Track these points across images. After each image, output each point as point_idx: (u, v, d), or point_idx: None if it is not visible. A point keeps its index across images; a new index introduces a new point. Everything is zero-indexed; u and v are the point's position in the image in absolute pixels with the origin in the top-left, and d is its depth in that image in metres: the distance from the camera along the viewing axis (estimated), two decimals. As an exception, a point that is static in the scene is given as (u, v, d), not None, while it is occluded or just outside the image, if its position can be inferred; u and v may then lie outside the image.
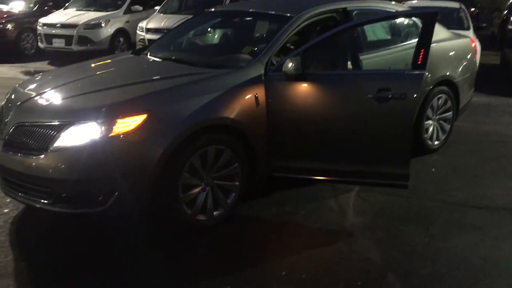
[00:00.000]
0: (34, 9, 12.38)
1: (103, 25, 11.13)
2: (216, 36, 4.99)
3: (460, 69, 5.34)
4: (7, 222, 3.56)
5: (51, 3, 12.89)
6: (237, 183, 3.62)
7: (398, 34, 4.85)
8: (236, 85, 3.57)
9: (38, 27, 11.26)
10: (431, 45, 4.84)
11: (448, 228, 3.66)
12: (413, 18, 4.84)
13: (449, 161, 5.04)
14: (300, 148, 3.75)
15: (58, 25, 11.05)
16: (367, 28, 4.47)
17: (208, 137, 3.39)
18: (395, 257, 3.26)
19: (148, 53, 4.39)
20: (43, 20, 11.29)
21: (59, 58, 10.88)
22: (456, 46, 5.41)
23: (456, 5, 10.26)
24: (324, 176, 3.81)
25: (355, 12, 4.41)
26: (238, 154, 3.57)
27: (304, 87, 3.63)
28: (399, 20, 4.78)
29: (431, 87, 4.95)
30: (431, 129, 5.18)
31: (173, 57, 4.20)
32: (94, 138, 3.06)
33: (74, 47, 10.89)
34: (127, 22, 11.62)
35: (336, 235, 3.55)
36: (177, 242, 3.38)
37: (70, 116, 3.17)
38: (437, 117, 5.23)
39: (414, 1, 11.83)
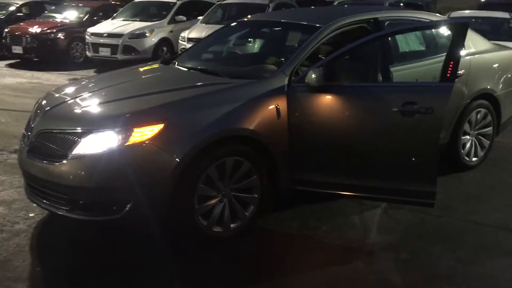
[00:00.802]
0: (84, 19, 12.83)
1: (147, 34, 11.40)
2: (244, 46, 4.97)
3: (502, 82, 5.07)
4: (31, 227, 3.64)
5: (101, 13, 13.35)
6: (256, 196, 3.56)
7: (433, 46, 4.65)
8: (257, 96, 3.51)
9: (86, 36, 11.66)
10: (470, 57, 4.75)
11: (477, 251, 3.44)
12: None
13: (487, 179, 4.78)
14: (323, 162, 3.64)
15: (104, 34, 11.41)
16: (400, 39, 4.32)
17: (226, 148, 3.35)
18: (416, 280, 3.10)
19: (176, 63, 4.42)
20: (91, 29, 11.68)
21: (105, 67, 11.19)
22: (499, 58, 5.15)
23: (506, 15, 9.84)
24: (347, 191, 3.68)
25: (387, 22, 4.27)
26: (258, 166, 3.51)
27: (327, 99, 3.53)
28: (435, 31, 4.58)
29: (468, 101, 4.73)
30: (468, 144, 4.94)
31: (199, 67, 4.20)
32: (111, 147, 3.08)
33: (119, 56, 11.19)
34: (171, 31, 11.85)
35: (356, 253, 3.41)
36: (193, 253, 3.36)
37: (88, 124, 3.21)
38: (476, 132, 4.99)
39: (466, 12, 11.48)
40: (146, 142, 3.10)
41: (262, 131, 3.47)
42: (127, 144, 3.08)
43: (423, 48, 4.68)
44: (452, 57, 3.28)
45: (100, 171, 3.09)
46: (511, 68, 5.25)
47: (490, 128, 5.05)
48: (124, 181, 3.08)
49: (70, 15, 13.22)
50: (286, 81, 3.63)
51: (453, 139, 4.76)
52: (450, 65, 3.26)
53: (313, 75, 3.44)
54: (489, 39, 7.86)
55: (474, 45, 4.89)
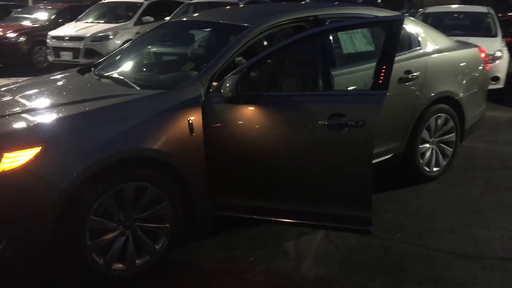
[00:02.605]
0: (48, 22, 12.28)
1: (111, 37, 10.84)
2: (166, 51, 4.42)
3: (464, 84, 4.59)
4: None
5: (68, 16, 12.79)
6: (167, 225, 3.06)
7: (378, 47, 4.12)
8: (166, 109, 3.01)
9: (48, 40, 11.11)
10: (426, 57, 4.26)
11: (421, 283, 2.96)
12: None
13: (447, 192, 4.29)
14: (246, 184, 3.15)
15: (66, 37, 10.85)
16: (341, 39, 3.82)
17: (124, 173, 2.85)
18: (343, 326, 2.61)
19: (94, 71, 3.91)
20: (52, 33, 11.12)
21: (69, 71, 10.64)
22: (460, 57, 4.65)
23: (484, 9, 9.36)
24: (275, 217, 3.20)
25: (329, 20, 3.76)
26: (168, 191, 3.01)
27: (246, 111, 3.04)
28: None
29: (426, 105, 4.24)
30: (428, 153, 4.46)
31: (112, 76, 3.69)
32: (-24, 176, 2.58)
33: (81, 60, 10.60)
34: (137, 33, 11.26)
35: (280, 291, 2.93)
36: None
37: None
38: (437, 139, 4.51)
39: (442, 6, 11.01)
40: (19, 169, 2.59)
41: (172, 151, 2.97)
42: (-6, 172, 2.58)
43: (370, 49, 4.17)
44: (385, 61, 2.79)
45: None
46: (475, 67, 4.77)
47: (453, 134, 4.57)
48: (-8, 216, 2.59)
49: (35, 18, 12.66)
50: (202, 91, 3.13)
51: (410, 148, 4.28)
52: (383, 70, 2.77)
53: (228, 84, 2.95)
54: (466, 34, 7.48)
55: (433, 43, 4.41)
